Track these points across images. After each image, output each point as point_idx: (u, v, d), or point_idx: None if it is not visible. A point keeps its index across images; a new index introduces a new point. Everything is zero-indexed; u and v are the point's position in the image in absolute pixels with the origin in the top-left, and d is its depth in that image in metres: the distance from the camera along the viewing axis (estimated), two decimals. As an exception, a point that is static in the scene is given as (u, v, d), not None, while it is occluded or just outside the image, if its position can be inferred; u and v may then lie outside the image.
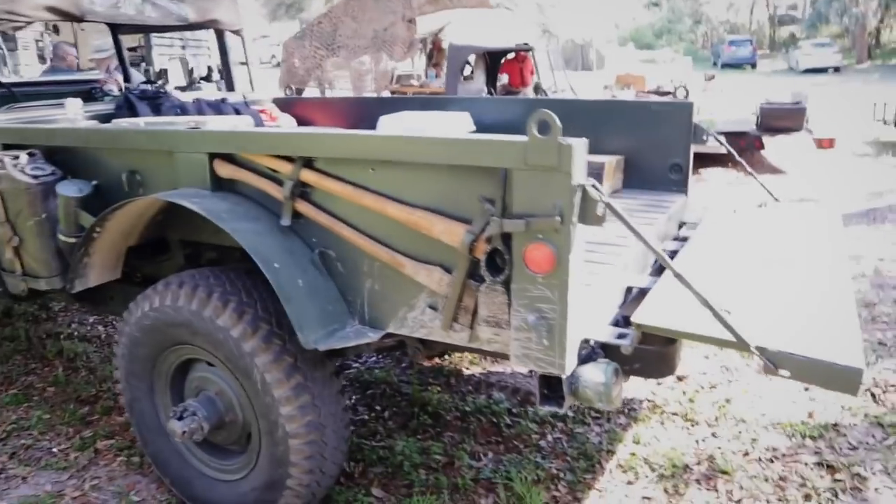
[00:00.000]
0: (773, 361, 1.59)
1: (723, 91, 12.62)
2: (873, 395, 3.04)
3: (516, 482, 2.51)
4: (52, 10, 3.03)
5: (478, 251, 1.76)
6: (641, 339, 1.95)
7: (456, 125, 3.39)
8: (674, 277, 1.73)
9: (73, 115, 2.95)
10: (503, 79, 10.77)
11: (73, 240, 2.48)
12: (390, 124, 3.40)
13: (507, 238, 1.71)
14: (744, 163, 3.17)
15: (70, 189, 2.44)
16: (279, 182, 2.09)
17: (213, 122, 2.93)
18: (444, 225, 1.82)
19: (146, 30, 4.53)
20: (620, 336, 1.90)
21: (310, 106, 4.45)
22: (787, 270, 2.19)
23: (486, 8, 11.96)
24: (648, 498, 2.45)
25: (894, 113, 10.71)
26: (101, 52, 5.07)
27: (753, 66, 31.25)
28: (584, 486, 2.53)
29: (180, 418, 2.24)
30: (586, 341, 1.89)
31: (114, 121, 3.00)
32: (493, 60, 10.36)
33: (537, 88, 9.32)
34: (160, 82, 4.18)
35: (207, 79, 4.97)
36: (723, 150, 8.57)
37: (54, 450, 2.90)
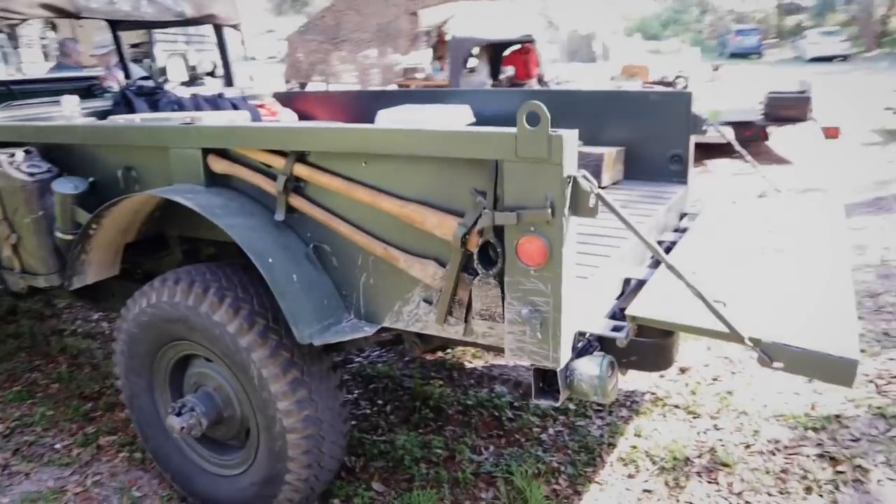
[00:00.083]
0: (767, 353, 1.57)
1: (728, 81, 12.52)
2: (877, 386, 3.01)
3: (517, 476, 2.50)
4: (47, 6, 3.03)
5: (470, 244, 1.75)
6: (639, 332, 1.94)
7: (455, 118, 3.37)
8: (667, 272, 1.71)
9: (69, 112, 2.95)
10: (508, 71, 10.72)
11: (70, 237, 2.48)
12: (389, 118, 3.39)
13: (499, 231, 1.70)
14: (744, 152, 3.13)
15: (66, 186, 2.44)
16: (273, 177, 2.08)
17: (209, 118, 2.93)
18: (437, 218, 1.80)
19: (144, 26, 4.52)
20: (616, 329, 1.88)
21: (310, 100, 4.44)
22: (785, 261, 2.17)
23: (490, 0, 11.92)
24: (649, 491, 2.44)
25: (902, 101, 10.61)
26: (102, 49, 5.06)
27: (760, 55, 31.02)
28: (585, 479, 2.52)
29: (179, 414, 2.24)
30: (582, 334, 1.87)
31: (110, 117, 3.00)
32: (496, 52, 10.30)
33: (540, 80, 9.26)
34: (161, 80, 4.19)
35: (212, 74, 4.96)
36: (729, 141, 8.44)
37: (57, 446, 2.92)
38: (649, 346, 1.95)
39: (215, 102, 3.41)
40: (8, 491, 2.61)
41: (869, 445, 2.58)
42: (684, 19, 41.64)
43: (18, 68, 10.77)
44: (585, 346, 1.91)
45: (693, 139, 3.17)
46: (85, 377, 3.54)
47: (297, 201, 2.07)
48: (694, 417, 2.88)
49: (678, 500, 2.38)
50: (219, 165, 2.20)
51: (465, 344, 2.21)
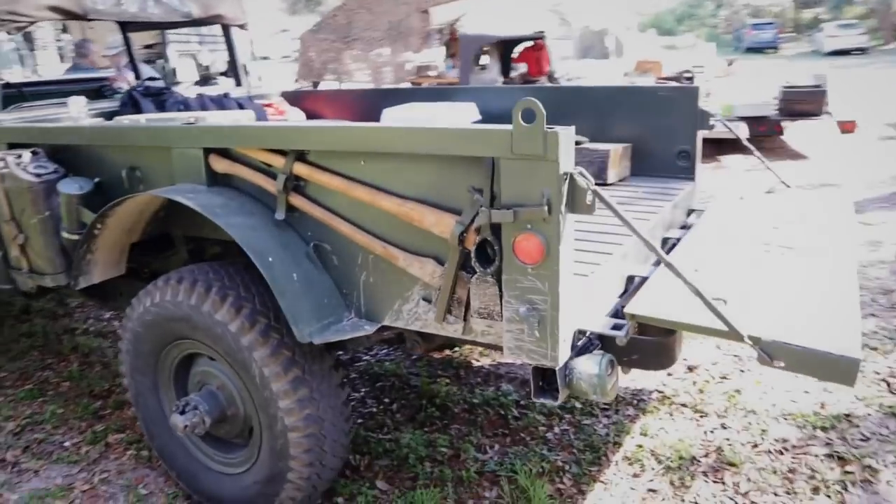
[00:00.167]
0: (768, 352, 1.55)
1: (742, 76, 12.38)
2: (888, 385, 2.96)
3: (521, 475, 2.49)
4: (54, 9, 3.06)
5: (468, 242, 1.74)
6: (641, 330, 1.92)
7: (461, 115, 3.36)
8: (676, 267, 1.69)
9: (76, 113, 2.98)
10: (520, 68, 10.68)
11: (76, 237, 2.50)
12: (394, 116, 3.38)
13: (496, 229, 1.69)
14: (752, 147, 3.09)
15: (71, 187, 2.47)
16: (273, 176, 2.08)
17: (213, 118, 2.94)
18: (435, 216, 1.80)
19: (152, 27, 4.55)
20: (616, 327, 1.86)
21: (318, 99, 4.45)
22: (790, 258, 2.14)
23: (502, -4, 11.88)
24: (654, 490, 2.42)
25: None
26: (112, 50, 5.11)
27: (776, 49, 30.67)
28: (590, 478, 2.51)
29: (182, 412, 2.26)
30: (582, 332, 1.86)
31: (116, 118, 3.02)
32: (506, 50, 10.26)
33: (550, 77, 9.22)
34: (172, 80, 4.22)
35: (225, 74, 4.97)
36: (744, 136, 8.43)
37: (66, 444, 2.95)
38: (651, 344, 1.93)
39: (221, 102, 3.43)
40: (17, 488, 2.64)
41: (879, 445, 2.55)
42: (699, 14, 41.27)
43: (34, 70, 10.91)
44: (586, 344, 1.89)
45: (700, 135, 3.14)
46: (95, 375, 3.57)
47: (297, 200, 2.07)
48: (701, 416, 2.85)
49: (683, 500, 2.35)
50: (220, 165, 2.21)
51: (466, 342, 2.20)
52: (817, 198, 2.96)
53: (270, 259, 1.99)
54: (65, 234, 2.55)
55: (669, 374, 3.19)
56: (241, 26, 4.11)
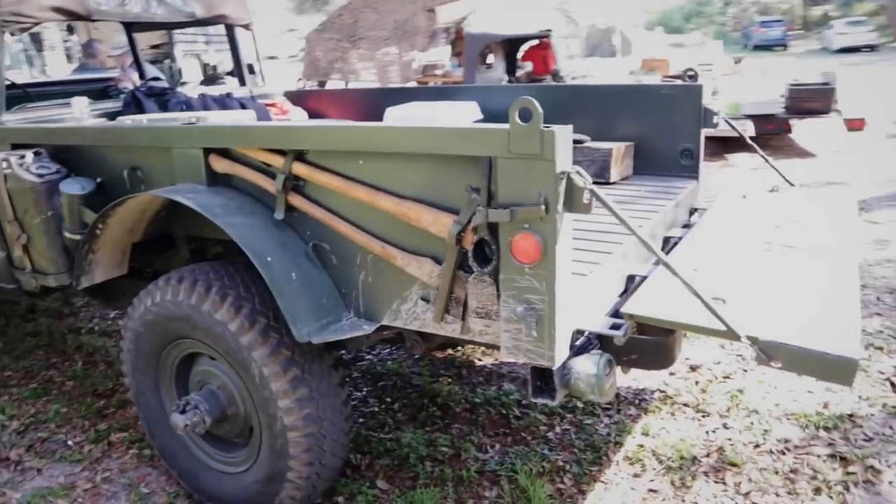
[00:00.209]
0: (766, 352, 1.54)
1: (750, 73, 12.31)
2: (892, 385, 2.94)
3: (521, 475, 2.48)
4: (57, 10, 3.07)
5: (466, 242, 1.74)
6: (640, 330, 1.91)
7: (463, 115, 3.35)
8: (673, 266, 1.68)
9: (79, 113, 2.99)
10: (526, 66, 10.66)
11: (78, 237, 2.52)
12: (396, 115, 3.38)
13: (493, 228, 1.68)
14: (755, 146, 3.07)
15: (73, 187, 2.48)
16: (272, 176, 2.09)
17: (213, 118, 2.95)
18: (433, 216, 1.80)
19: (156, 27, 4.57)
20: (614, 327, 1.86)
21: (321, 98, 4.45)
22: (791, 258, 2.12)
23: (507, -5, 11.86)
24: (654, 490, 2.41)
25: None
26: (118, 50, 5.13)
27: (785, 47, 30.49)
28: (590, 478, 2.50)
29: (183, 412, 2.26)
30: (580, 332, 1.85)
31: (118, 118, 3.03)
32: (512, 48, 10.24)
33: (555, 75, 9.19)
34: (179, 80, 4.24)
35: (232, 73, 4.95)
36: (751, 134, 8.37)
37: (69, 442, 2.96)
38: (650, 343, 1.92)
39: (223, 102, 3.43)
40: (20, 487, 2.66)
41: (882, 445, 2.53)
42: (707, 12, 41.06)
43: (42, 70, 10.99)
44: (585, 344, 1.88)
45: (704, 133, 3.12)
46: (99, 374, 3.59)
47: (296, 200, 2.07)
48: (703, 416, 2.84)
49: (683, 501, 2.34)
50: (220, 165, 2.22)
51: (464, 342, 2.20)
52: (820, 197, 2.94)
53: (269, 259, 1.99)
54: (67, 234, 2.56)
55: (672, 374, 3.18)
56: (245, 26, 4.12)
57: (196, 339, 2.25)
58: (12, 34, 2.96)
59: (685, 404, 2.93)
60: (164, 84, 3.64)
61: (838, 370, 1.47)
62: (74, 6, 3.10)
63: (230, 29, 4.15)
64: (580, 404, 2.97)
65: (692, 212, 3.03)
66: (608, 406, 2.95)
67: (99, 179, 2.58)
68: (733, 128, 3.12)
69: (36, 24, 3.08)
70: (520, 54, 10.76)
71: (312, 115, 4.26)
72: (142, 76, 4.45)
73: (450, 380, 3.30)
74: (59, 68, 10.89)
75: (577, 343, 1.85)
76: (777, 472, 2.44)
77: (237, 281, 2.19)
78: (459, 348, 3.59)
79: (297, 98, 4.38)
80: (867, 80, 15.49)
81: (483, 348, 3.54)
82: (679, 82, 3.32)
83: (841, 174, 7.35)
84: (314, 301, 2.03)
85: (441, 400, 3.10)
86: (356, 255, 2.00)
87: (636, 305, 1.78)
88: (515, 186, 1.62)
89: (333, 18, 11.98)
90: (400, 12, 11.44)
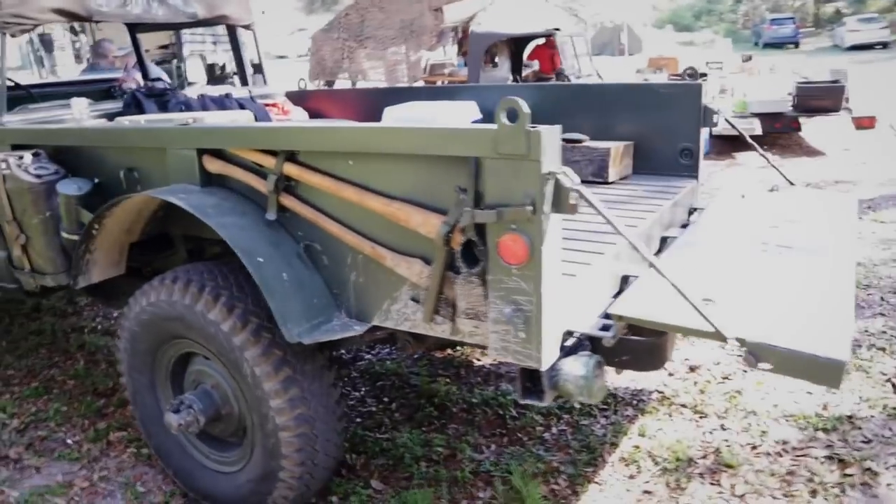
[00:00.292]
0: (753, 353, 1.52)
1: (760, 71, 12.23)
2: (894, 386, 2.91)
3: (515, 475, 2.48)
4: (59, 11, 3.09)
5: (454, 242, 1.74)
6: (633, 331, 1.90)
7: (461, 114, 3.34)
8: (661, 266, 1.67)
9: (78, 114, 3.01)
10: (534, 65, 10.64)
11: (75, 237, 2.53)
12: (394, 115, 3.38)
13: (480, 229, 1.68)
14: (755, 145, 3.05)
15: (70, 188, 2.49)
16: (264, 176, 2.09)
17: (210, 118, 2.96)
18: (421, 216, 1.79)
19: (159, 28, 4.59)
20: (604, 328, 1.85)
21: (322, 98, 4.46)
22: (787, 258, 2.10)
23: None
24: (649, 492, 2.39)
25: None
26: (122, 50, 5.16)
27: (796, 44, 30.25)
28: (585, 479, 2.49)
29: (176, 411, 2.27)
30: (570, 333, 1.84)
31: (116, 119, 3.05)
32: (517, 47, 10.21)
33: (559, 74, 9.17)
34: (183, 79, 4.26)
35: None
36: (758, 133, 8.28)
37: (69, 441, 2.98)
38: (642, 344, 1.91)
39: (222, 102, 3.45)
40: (19, 485, 2.68)
41: (881, 448, 2.50)
42: (718, 9, 40.79)
43: (52, 71, 11.07)
44: (576, 345, 1.87)
45: (704, 132, 3.10)
46: (100, 373, 3.61)
47: (288, 200, 2.08)
48: (701, 417, 2.82)
49: (678, 502, 2.33)
50: (213, 165, 2.22)
51: (455, 343, 2.19)
52: (820, 196, 2.92)
53: (260, 259, 2.00)
54: (65, 235, 2.58)
55: (671, 375, 3.16)
56: (247, 27, 4.13)
57: (190, 339, 2.26)
58: (13, 35, 2.98)
59: (683, 405, 2.91)
60: (164, 85, 3.66)
61: (826, 372, 1.46)
62: (75, 7, 3.12)
63: (232, 29, 4.17)
64: (577, 405, 2.96)
65: (691, 211, 3.01)
66: (605, 406, 2.94)
67: (96, 180, 2.59)
68: (733, 126, 3.10)
69: (36, 25, 3.10)
70: (527, 53, 10.75)
71: (314, 116, 4.27)
72: (145, 76, 4.47)
73: (448, 380, 3.30)
74: (68, 69, 10.97)
75: (568, 344, 1.84)
76: (773, 474, 2.42)
77: (230, 281, 2.19)
78: (458, 348, 3.59)
79: (298, 98, 4.39)
80: (879, 77, 15.35)
81: (480, 348, 3.53)
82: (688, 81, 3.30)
83: (849, 173, 7.29)
84: (305, 301, 2.03)
85: (438, 400, 3.10)
86: (347, 255, 2.00)
87: (625, 306, 1.77)
88: (502, 187, 1.62)
89: (340, 18, 11.99)
90: (407, 12, 11.43)
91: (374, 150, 1.84)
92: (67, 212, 2.52)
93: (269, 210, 2.10)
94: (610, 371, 2.04)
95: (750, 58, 14.09)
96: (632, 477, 2.48)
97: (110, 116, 3.33)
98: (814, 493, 2.30)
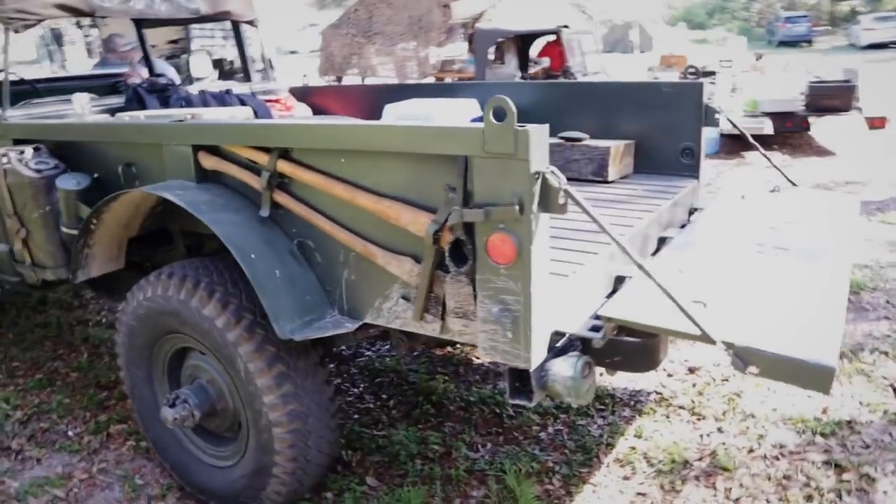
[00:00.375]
0: (741, 357, 1.51)
1: (773, 70, 12.11)
2: (895, 391, 2.88)
3: (509, 475, 2.47)
4: (61, 6, 3.10)
5: (443, 241, 1.73)
6: (625, 332, 1.89)
7: (461, 112, 3.34)
8: (656, 267, 1.67)
9: (80, 109, 3.03)
10: (544, 62, 10.60)
11: (74, 231, 2.55)
12: (394, 112, 3.38)
13: (469, 228, 1.67)
14: (758, 146, 3.02)
15: (69, 182, 2.51)
16: (258, 173, 2.10)
17: (208, 115, 2.97)
18: (411, 214, 1.79)
19: (162, 23, 4.60)
20: (594, 329, 1.83)
21: (325, 94, 4.46)
22: (783, 260, 2.08)
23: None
24: (643, 494, 2.38)
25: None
26: (128, 45, 5.18)
27: (811, 43, 29.95)
28: (579, 479, 2.48)
29: (172, 405, 2.28)
30: (560, 333, 1.83)
31: (116, 114, 3.07)
32: (524, 44, 10.18)
33: (566, 72, 9.13)
34: (188, 75, 4.29)
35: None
36: (769, 132, 8.20)
37: (70, 433, 3.01)
38: (633, 346, 1.89)
39: (222, 99, 3.46)
40: (19, 476, 2.71)
41: (879, 453, 2.47)
42: (731, 7, 40.43)
43: (62, 65, 11.15)
44: (566, 345, 1.87)
45: (706, 132, 3.08)
46: (103, 366, 3.64)
47: (281, 197, 2.08)
48: (698, 419, 2.80)
49: (671, 505, 2.32)
50: (208, 162, 2.23)
51: (445, 342, 2.18)
52: (822, 197, 2.88)
53: (253, 256, 2.00)
54: (64, 229, 2.60)
55: (670, 376, 3.15)
56: (250, 22, 4.13)
57: (186, 334, 2.28)
58: (16, 31, 3.00)
59: (681, 407, 2.90)
60: (166, 80, 3.67)
61: (814, 377, 1.44)
62: (78, 3, 3.13)
63: (235, 25, 4.17)
64: (574, 405, 2.95)
65: (692, 211, 2.98)
66: (603, 407, 2.93)
67: (96, 175, 2.61)
68: (734, 125, 3.07)
69: (40, 20, 3.11)
70: (537, 50, 10.71)
71: (317, 112, 4.28)
72: (151, 72, 4.49)
73: (446, 378, 3.30)
74: (79, 63, 11.04)
75: (559, 344, 1.83)
76: (769, 478, 2.40)
77: (225, 277, 2.20)
78: (457, 346, 3.58)
79: (302, 94, 4.40)
80: (894, 77, 15.16)
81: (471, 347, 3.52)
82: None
83: (860, 173, 7.21)
84: (298, 298, 2.03)
85: (436, 398, 3.10)
86: (339, 253, 2.01)
87: (614, 308, 1.76)
88: (490, 186, 1.61)
89: (349, 14, 11.98)
90: (415, 8, 11.40)
91: (365, 148, 1.84)
92: (67, 206, 2.54)
93: (262, 207, 2.11)
94: (605, 372, 2.04)
95: (762, 56, 13.96)
96: (626, 478, 2.47)
97: (112, 111, 3.35)
98: (809, 498, 2.28)
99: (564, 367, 1.73)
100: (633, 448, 2.63)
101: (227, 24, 10.53)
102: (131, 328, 2.44)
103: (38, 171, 2.58)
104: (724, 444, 2.63)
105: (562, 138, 3.19)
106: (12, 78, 3.25)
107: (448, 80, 10.72)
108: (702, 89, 3.00)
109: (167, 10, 3.56)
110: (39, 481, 2.67)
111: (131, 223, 2.55)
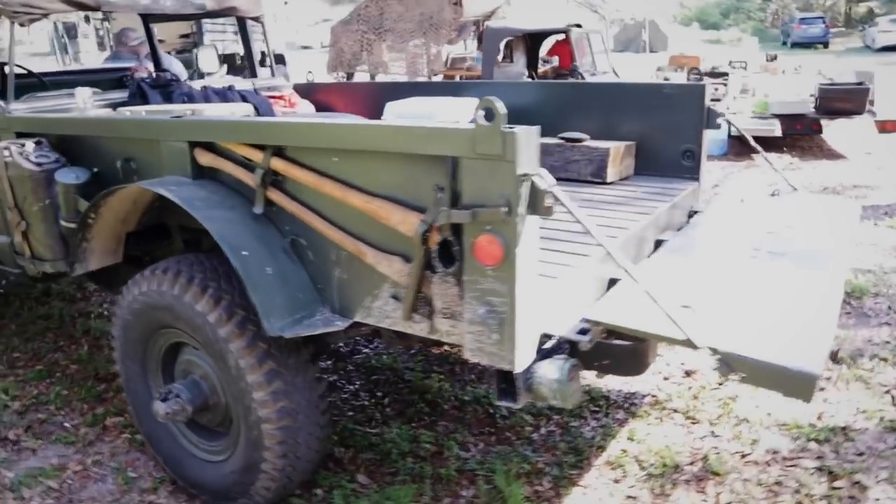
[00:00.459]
0: (725, 363, 1.50)
1: (784, 71, 12.01)
2: (893, 398, 2.85)
3: (498, 475, 2.47)
4: (67, 1, 3.13)
5: (431, 241, 1.73)
6: (614, 335, 1.88)
7: (461, 111, 3.33)
8: (647, 271, 1.66)
9: (82, 103, 3.05)
10: (554, 61, 10.56)
11: (73, 225, 2.57)
12: (395, 110, 3.38)
13: (457, 228, 1.68)
14: (759, 148, 3.00)
15: (68, 176, 2.53)
16: (252, 170, 2.10)
17: (208, 111, 2.98)
18: (401, 214, 1.79)
19: (168, 18, 4.62)
20: (582, 331, 1.83)
21: (330, 91, 4.47)
22: (777, 265, 2.07)
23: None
24: (633, 497, 2.38)
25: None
26: (135, 40, 5.21)
27: (826, 44, 29.66)
28: (569, 482, 2.48)
29: (165, 400, 2.30)
30: (548, 336, 1.83)
31: (118, 109, 3.08)
32: (534, 43, 10.14)
33: (573, 71, 9.09)
34: (196, 70, 4.31)
35: (262, 63, 4.96)
36: (778, 134, 8.13)
37: (66, 425, 3.04)
38: (622, 349, 1.89)
39: (224, 95, 3.47)
40: (14, 466, 2.74)
41: (873, 461, 2.45)
42: (746, 7, 40.11)
43: (75, 58, 11.22)
44: (554, 347, 1.86)
45: (707, 134, 3.06)
46: (103, 359, 3.66)
47: (275, 195, 2.09)
48: (692, 423, 2.79)
49: (661, 508, 2.31)
50: (205, 158, 2.24)
51: (433, 342, 2.18)
52: (821, 202, 2.86)
53: (245, 253, 2.01)
54: (63, 223, 2.62)
55: (665, 379, 3.13)
56: (256, 18, 4.15)
57: (179, 329, 2.29)
58: (21, 24, 3.02)
59: (675, 410, 2.89)
60: (170, 75, 3.69)
61: (797, 385, 1.44)
62: (84, -3, 3.15)
63: (241, 21, 4.19)
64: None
65: (692, 214, 2.97)
66: (597, 409, 2.92)
67: (95, 169, 2.63)
68: (737, 129, 3.05)
69: (45, 15, 3.14)
70: (547, 49, 10.67)
71: (321, 109, 4.29)
72: (158, 66, 4.51)
73: (441, 376, 3.30)
74: (91, 56, 11.12)
75: (547, 347, 1.83)
76: (760, 484, 2.39)
77: (219, 273, 2.21)
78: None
79: (306, 91, 4.41)
80: (908, 80, 14.98)
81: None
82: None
83: (869, 177, 7.15)
84: (289, 296, 2.04)
85: (430, 396, 3.10)
86: (331, 251, 2.01)
87: (601, 311, 1.76)
88: (479, 187, 1.61)
89: (360, 10, 11.98)
90: (426, 5, 11.39)
91: (356, 147, 1.84)
92: (66, 200, 2.56)
93: (256, 204, 2.11)
94: (595, 374, 2.03)
95: (775, 57, 13.85)
96: (617, 481, 2.47)
97: (116, 106, 3.37)
98: (799, 504, 2.28)
99: (551, 370, 1.72)
100: (625, 451, 2.63)
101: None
102: (126, 322, 2.46)
103: (39, 164, 2.60)
104: (716, 448, 2.62)
105: (562, 139, 3.19)
106: (19, 71, 3.28)
107: (457, 77, 10.71)
108: (704, 91, 2.98)
109: (173, 6, 3.58)
110: (34, 472, 2.69)
111: (129, 218, 2.57)
